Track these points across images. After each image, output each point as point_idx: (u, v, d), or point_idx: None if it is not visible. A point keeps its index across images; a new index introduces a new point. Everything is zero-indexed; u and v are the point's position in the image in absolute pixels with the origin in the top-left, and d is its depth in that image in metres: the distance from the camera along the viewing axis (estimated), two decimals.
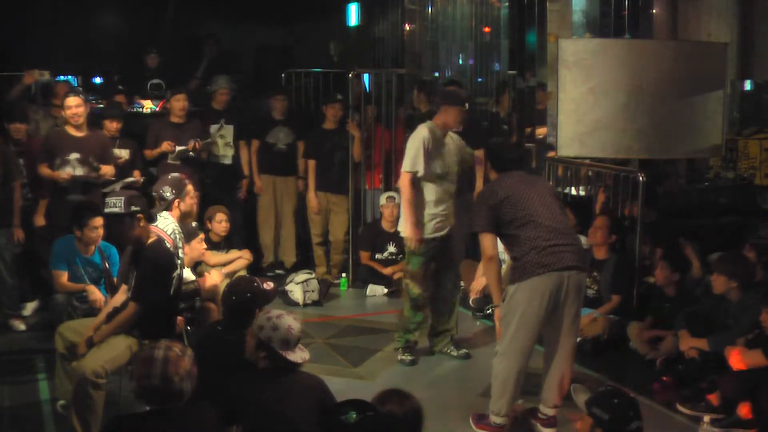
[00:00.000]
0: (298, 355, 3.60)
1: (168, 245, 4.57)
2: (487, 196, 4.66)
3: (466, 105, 5.65)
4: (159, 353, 3.20)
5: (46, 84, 7.73)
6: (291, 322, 3.61)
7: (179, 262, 4.67)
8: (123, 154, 6.92)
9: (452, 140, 5.69)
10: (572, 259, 4.45)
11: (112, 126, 6.95)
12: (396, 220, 7.57)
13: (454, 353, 5.90)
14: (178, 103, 7.24)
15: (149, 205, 4.69)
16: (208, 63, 9.34)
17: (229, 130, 7.72)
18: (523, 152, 4.69)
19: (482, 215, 4.61)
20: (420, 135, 5.51)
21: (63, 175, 6.23)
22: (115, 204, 4.40)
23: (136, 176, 6.93)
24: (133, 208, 4.38)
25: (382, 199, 7.71)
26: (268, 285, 4.41)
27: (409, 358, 5.82)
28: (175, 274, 4.52)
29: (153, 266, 4.41)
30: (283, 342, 3.56)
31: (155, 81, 8.57)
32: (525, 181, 4.68)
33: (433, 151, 5.50)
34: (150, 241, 4.49)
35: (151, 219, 4.59)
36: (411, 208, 5.52)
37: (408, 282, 5.78)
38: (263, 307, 4.21)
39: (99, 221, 5.69)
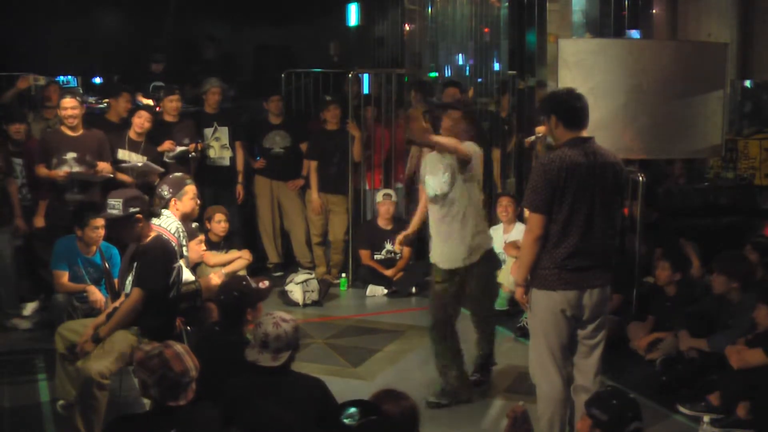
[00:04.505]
0: (264, 358, 3.59)
1: (168, 240, 4.59)
2: (549, 170, 3.94)
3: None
4: (178, 348, 3.26)
5: (39, 88, 7.73)
6: (269, 328, 3.60)
7: (183, 258, 4.68)
8: (136, 158, 6.69)
9: (449, 162, 4.96)
10: (597, 278, 4.05)
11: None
12: (392, 218, 7.60)
13: (469, 376, 5.26)
14: (172, 104, 7.26)
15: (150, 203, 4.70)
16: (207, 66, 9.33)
17: (224, 132, 7.67)
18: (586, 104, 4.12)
19: (540, 193, 3.95)
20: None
21: (60, 173, 6.23)
22: (114, 206, 4.44)
23: (155, 179, 6.58)
24: (131, 210, 4.42)
25: (379, 197, 7.69)
26: (264, 284, 4.40)
27: (434, 400, 5.02)
28: (176, 265, 4.54)
29: (153, 254, 4.45)
30: (263, 344, 3.59)
31: (157, 83, 8.57)
32: (593, 167, 3.98)
33: (426, 172, 5.07)
34: (148, 239, 4.52)
35: (152, 216, 4.60)
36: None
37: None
38: (257, 306, 4.22)
39: (100, 221, 5.70)
